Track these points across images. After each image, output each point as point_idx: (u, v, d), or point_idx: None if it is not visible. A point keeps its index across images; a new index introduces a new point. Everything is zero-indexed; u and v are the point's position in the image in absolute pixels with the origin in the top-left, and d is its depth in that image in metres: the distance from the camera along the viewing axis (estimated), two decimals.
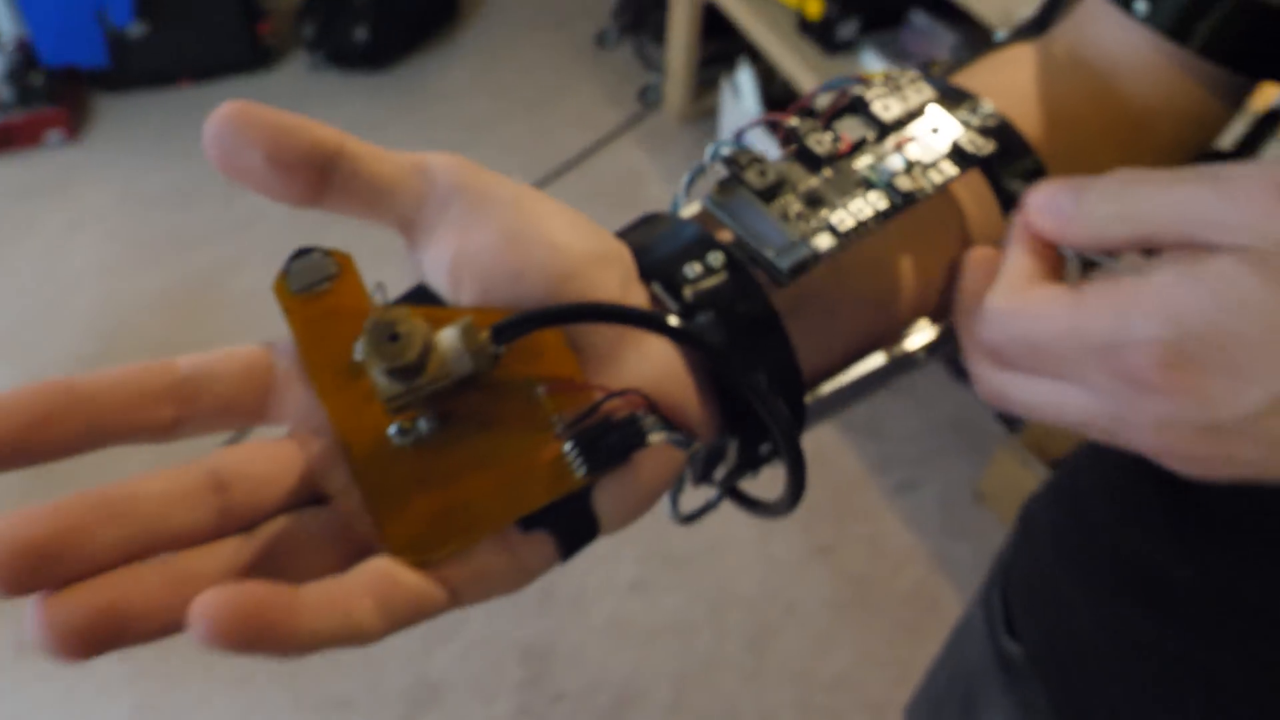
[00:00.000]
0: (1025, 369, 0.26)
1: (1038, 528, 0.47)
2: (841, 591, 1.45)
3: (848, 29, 1.71)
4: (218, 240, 1.92)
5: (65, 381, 0.21)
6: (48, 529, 0.19)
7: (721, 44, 2.17)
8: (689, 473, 0.29)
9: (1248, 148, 0.37)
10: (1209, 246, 0.22)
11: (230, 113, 0.22)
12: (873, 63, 1.70)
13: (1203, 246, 0.22)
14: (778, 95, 2.02)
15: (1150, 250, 0.24)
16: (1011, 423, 1.58)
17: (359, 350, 0.22)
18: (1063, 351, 0.24)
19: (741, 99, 1.90)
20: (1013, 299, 0.26)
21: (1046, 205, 0.26)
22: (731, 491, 0.31)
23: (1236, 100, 0.36)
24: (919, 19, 1.67)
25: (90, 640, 0.19)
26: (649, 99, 2.26)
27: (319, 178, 0.23)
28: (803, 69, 1.70)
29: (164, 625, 0.20)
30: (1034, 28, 0.38)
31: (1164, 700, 0.37)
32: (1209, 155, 0.37)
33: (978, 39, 1.54)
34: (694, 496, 0.31)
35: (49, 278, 1.83)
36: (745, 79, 1.90)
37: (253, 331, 1.76)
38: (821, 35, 1.72)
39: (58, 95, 2.07)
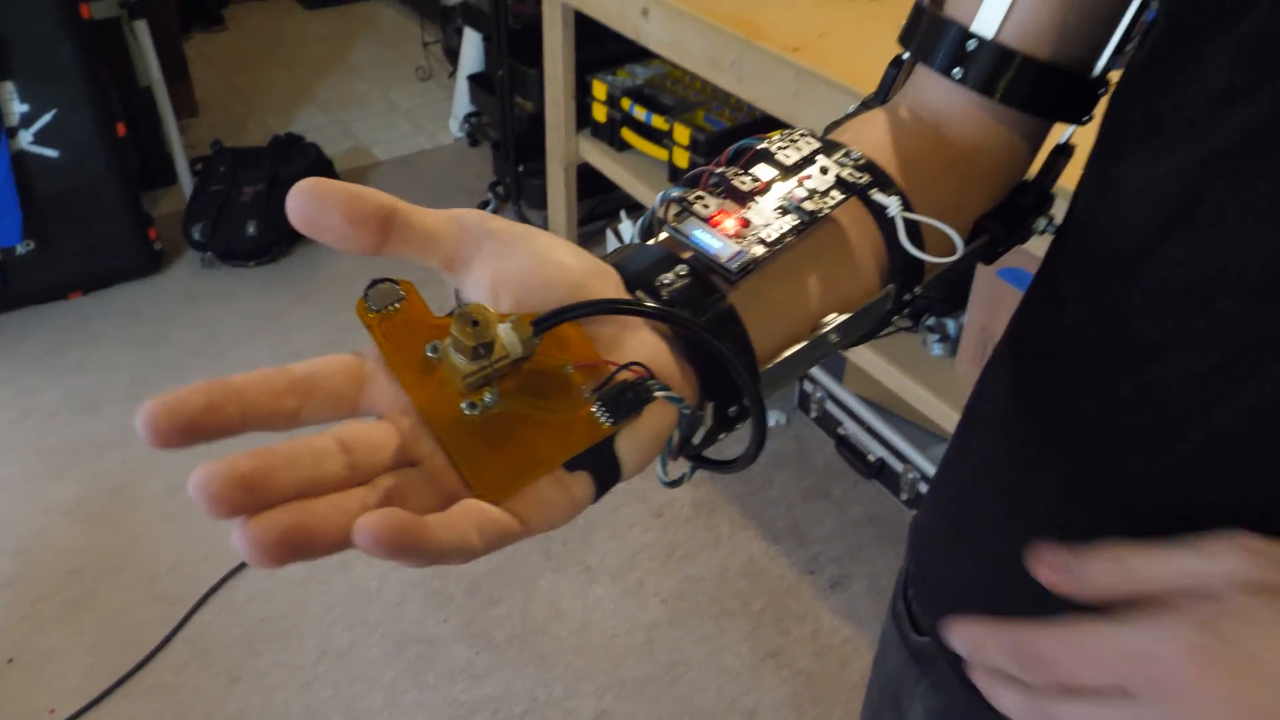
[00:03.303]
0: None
1: (918, 537, 0.56)
2: (796, 691, 1.49)
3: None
4: (126, 443, 1.91)
5: (221, 380, 0.27)
6: (250, 468, 0.25)
7: (599, 200, 2.34)
8: (678, 438, 0.35)
9: (1045, 175, 0.47)
10: (1199, 593, 0.31)
11: (309, 186, 0.28)
12: None
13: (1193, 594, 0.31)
14: None
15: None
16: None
17: (431, 350, 0.29)
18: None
19: None
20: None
21: (1059, 568, 0.35)
22: (700, 459, 0.38)
23: (1036, 138, 0.47)
24: None
25: (283, 551, 0.25)
26: None
27: (382, 229, 0.29)
28: None
29: (333, 543, 0.25)
30: (876, 98, 0.49)
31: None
32: (1021, 185, 0.47)
33: None
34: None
35: None
36: (627, 228, 2.04)
37: (177, 529, 1.74)
38: None
39: None
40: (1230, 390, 0.35)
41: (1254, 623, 0.30)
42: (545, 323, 0.30)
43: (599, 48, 2.00)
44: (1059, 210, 0.47)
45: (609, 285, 0.33)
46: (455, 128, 3.00)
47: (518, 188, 2.47)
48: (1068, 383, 0.43)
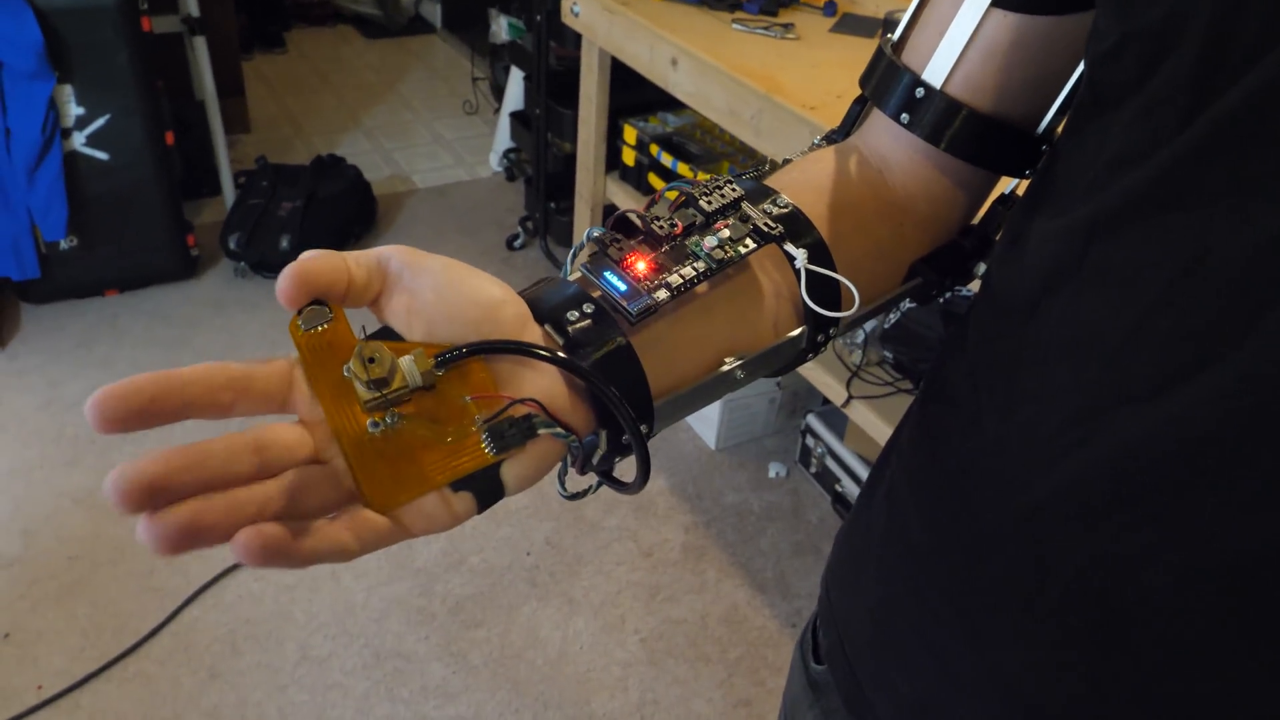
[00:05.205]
0: None
1: (829, 565, 0.58)
2: None
3: None
4: (139, 439, 1.96)
5: (167, 372, 0.30)
6: (155, 472, 0.29)
7: None
8: (574, 460, 0.38)
9: (988, 222, 0.49)
10: None
11: (291, 271, 0.32)
12: None
13: None
14: None
15: None
16: None
17: (347, 369, 0.32)
18: None
19: None
20: None
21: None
22: (606, 476, 0.40)
23: (978, 189, 0.48)
24: None
25: (175, 543, 0.28)
26: None
27: (343, 299, 0.34)
28: None
29: (223, 535, 0.29)
30: (839, 134, 0.51)
31: (921, 643, 0.46)
32: (966, 229, 0.49)
33: None
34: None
35: None
36: None
37: None
38: None
39: None
40: (1075, 446, 0.36)
41: None
42: (445, 358, 0.33)
43: (635, 93, 2.05)
44: None
45: (516, 319, 0.35)
46: (495, 161, 3.07)
47: (546, 223, 2.53)
48: (952, 423, 0.44)
